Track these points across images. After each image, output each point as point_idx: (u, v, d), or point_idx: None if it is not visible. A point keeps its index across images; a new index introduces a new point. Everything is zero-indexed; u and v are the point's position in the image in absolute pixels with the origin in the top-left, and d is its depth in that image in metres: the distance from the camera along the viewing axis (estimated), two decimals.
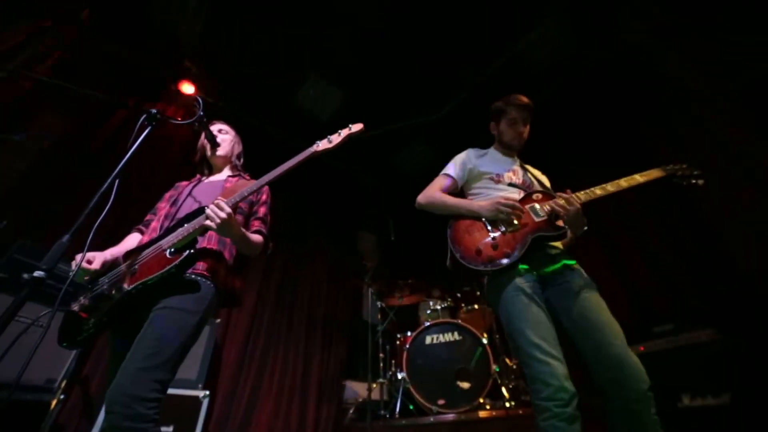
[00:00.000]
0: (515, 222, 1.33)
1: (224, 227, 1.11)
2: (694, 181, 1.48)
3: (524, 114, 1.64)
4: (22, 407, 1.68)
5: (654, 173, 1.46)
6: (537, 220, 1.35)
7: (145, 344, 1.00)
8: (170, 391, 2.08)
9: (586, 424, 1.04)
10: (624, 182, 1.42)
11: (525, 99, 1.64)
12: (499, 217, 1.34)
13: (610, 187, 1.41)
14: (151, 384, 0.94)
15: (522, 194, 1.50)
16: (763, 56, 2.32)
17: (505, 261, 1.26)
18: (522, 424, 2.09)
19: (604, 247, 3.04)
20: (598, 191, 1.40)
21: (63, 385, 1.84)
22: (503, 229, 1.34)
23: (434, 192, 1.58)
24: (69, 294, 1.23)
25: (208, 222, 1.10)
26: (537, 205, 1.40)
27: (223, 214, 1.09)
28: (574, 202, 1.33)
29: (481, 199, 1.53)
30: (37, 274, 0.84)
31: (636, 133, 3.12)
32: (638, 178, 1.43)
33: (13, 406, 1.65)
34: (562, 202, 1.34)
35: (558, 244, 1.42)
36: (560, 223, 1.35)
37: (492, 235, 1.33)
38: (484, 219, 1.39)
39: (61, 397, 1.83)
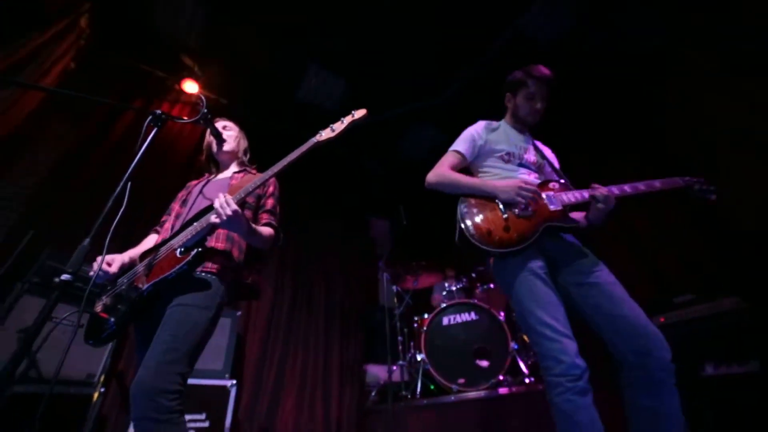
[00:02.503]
0: (531, 208, 1.31)
1: (231, 223, 1.13)
2: (708, 196, 1.42)
3: (544, 89, 1.56)
4: (67, 400, 1.82)
5: (673, 182, 1.41)
6: (552, 208, 1.32)
7: (162, 340, 1.05)
8: (200, 381, 2.22)
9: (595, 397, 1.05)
10: (642, 186, 1.37)
11: (547, 71, 1.54)
12: (516, 200, 1.30)
13: (628, 188, 1.36)
14: (171, 377, 1.00)
15: (535, 176, 1.47)
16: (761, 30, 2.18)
17: (515, 245, 1.24)
18: (542, 398, 2.11)
19: (619, 220, 2.97)
20: (615, 191, 1.35)
21: (102, 379, 1.97)
22: (517, 212, 1.31)
23: (444, 170, 1.52)
24: (95, 294, 1.31)
25: (215, 219, 1.13)
26: (553, 195, 1.37)
27: (229, 211, 1.11)
28: (611, 200, 1.29)
29: (494, 179, 1.49)
30: (64, 277, 0.89)
31: (641, 112, 3.00)
32: (657, 184, 1.39)
33: (60, 399, 1.78)
34: (602, 192, 1.30)
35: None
36: (575, 215, 1.34)
37: (504, 216, 1.31)
38: (498, 200, 1.36)
39: (102, 390, 1.95)
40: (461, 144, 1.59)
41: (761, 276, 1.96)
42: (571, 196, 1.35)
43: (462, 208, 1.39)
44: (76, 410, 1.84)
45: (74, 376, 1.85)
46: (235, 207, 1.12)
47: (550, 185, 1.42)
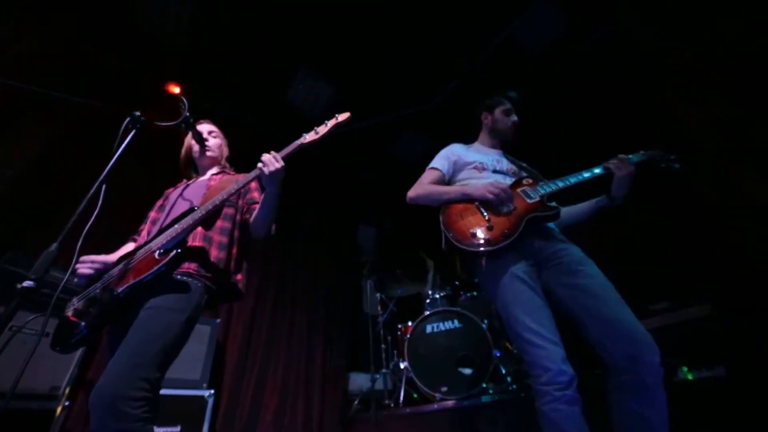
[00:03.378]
0: (508, 204, 1.35)
1: (276, 175, 1.21)
2: (672, 165, 1.49)
3: (515, 108, 1.71)
4: (27, 416, 1.69)
5: (636, 158, 1.48)
6: (530, 201, 1.36)
7: (130, 344, 1.00)
8: (175, 391, 2.13)
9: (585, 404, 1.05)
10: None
11: (518, 93, 1.74)
12: (488, 198, 1.34)
13: (597, 170, 1.44)
14: (136, 383, 0.92)
15: (509, 180, 1.52)
16: (760, 30, 2.29)
17: (502, 241, 1.25)
18: (524, 406, 2.13)
19: (599, 227, 3.06)
20: (585, 174, 1.43)
21: (67, 391, 1.85)
22: (496, 211, 1.35)
23: (422, 185, 1.59)
24: (63, 300, 1.24)
25: (261, 167, 1.21)
26: (528, 188, 1.41)
27: (279, 164, 1.20)
28: (627, 164, 1.37)
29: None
30: (26, 284, 0.83)
31: (633, 114, 3.12)
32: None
33: (18, 415, 1.66)
34: (616, 161, 1.38)
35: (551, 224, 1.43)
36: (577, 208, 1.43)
37: (486, 216, 1.34)
38: (477, 203, 1.39)
39: (66, 403, 1.84)
40: (438, 161, 1.67)
41: (732, 283, 2.05)
42: (546, 186, 1.41)
43: (442, 217, 1.42)
44: (37, 426, 1.72)
45: (36, 389, 1.74)
46: (283, 163, 1.21)
47: (524, 182, 1.47)
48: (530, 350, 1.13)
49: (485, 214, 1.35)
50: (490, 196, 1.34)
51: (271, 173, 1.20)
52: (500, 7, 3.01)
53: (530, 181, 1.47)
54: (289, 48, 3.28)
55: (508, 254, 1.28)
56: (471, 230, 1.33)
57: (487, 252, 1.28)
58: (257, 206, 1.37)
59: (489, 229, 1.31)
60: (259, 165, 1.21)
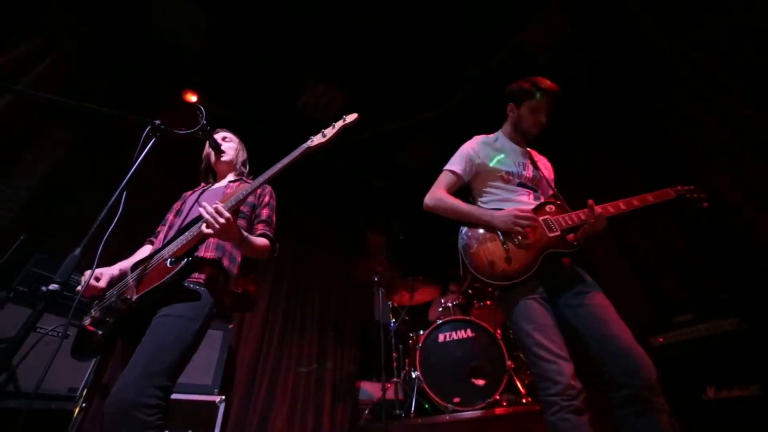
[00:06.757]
0: (530, 237, 1.33)
1: (223, 232, 1.10)
2: (699, 204, 1.43)
3: (550, 102, 1.54)
4: (47, 415, 1.73)
5: (664, 194, 1.43)
6: (551, 235, 1.34)
7: (144, 352, 1.01)
8: (187, 396, 2.14)
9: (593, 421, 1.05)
10: (636, 201, 1.39)
11: (555, 85, 1.52)
12: (514, 230, 1.33)
13: (623, 204, 1.39)
14: (150, 390, 0.94)
15: (532, 197, 1.49)
16: None
17: (518, 277, 1.27)
18: (539, 419, 2.06)
19: (619, 239, 2.98)
20: (611, 209, 1.38)
21: (84, 393, 1.89)
22: (517, 242, 1.33)
23: (442, 193, 1.52)
24: (83, 305, 1.27)
25: (205, 229, 1.10)
26: (550, 219, 1.38)
27: (221, 219, 1.08)
28: (602, 220, 1.32)
29: (492, 201, 1.51)
30: (52, 287, 0.86)
31: (644, 118, 3.06)
32: (650, 198, 1.41)
33: (38, 415, 1.70)
34: (593, 219, 1.32)
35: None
36: (571, 237, 1.36)
37: (505, 246, 1.33)
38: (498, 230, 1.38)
39: (83, 405, 1.87)
40: (456, 163, 1.57)
41: (760, 294, 1.95)
42: (569, 219, 1.36)
43: (461, 242, 1.41)
44: (56, 426, 1.75)
45: (55, 390, 1.78)
46: (227, 215, 1.09)
47: (547, 208, 1.42)
48: (541, 364, 1.15)
49: (505, 243, 1.34)
50: (519, 229, 1.32)
51: (218, 232, 1.07)
52: (510, 11, 3.01)
53: (553, 208, 1.42)
54: (301, 56, 3.34)
55: (526, 282, 1.29)
56: (489, 260, 1.33)
57: (501, 286, 1.31)
58: (261, 226, 1.37)
59: (507, 261, 1.31)
60: (203, 227, 1.09)
